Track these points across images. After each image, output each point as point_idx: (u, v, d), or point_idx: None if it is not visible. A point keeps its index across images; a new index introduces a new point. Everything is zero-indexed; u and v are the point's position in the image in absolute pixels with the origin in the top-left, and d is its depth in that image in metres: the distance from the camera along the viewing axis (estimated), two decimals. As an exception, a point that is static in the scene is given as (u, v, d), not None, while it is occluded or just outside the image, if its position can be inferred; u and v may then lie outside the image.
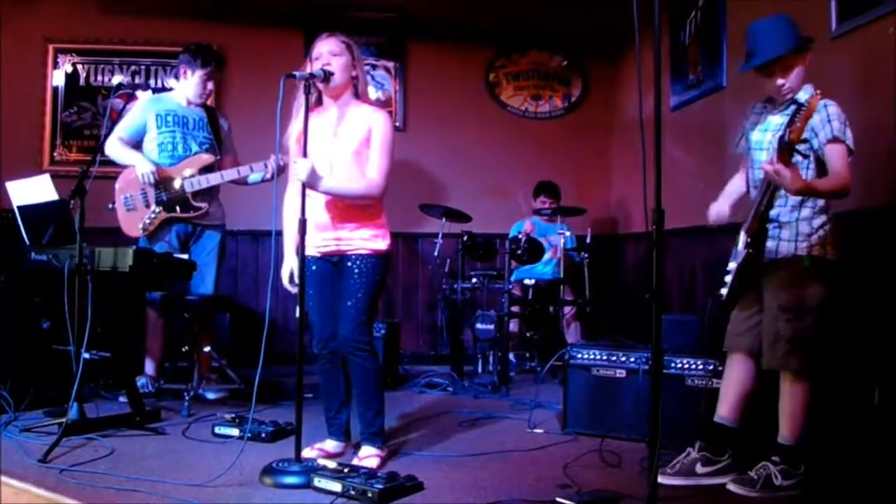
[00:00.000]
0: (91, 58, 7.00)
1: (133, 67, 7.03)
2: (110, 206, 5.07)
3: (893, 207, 3.84)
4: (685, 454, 3.41)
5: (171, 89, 6.59)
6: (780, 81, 3.28)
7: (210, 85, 5.19)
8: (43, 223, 4.16)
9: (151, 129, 5.11)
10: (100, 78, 7.01)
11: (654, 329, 2.57)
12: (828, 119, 3.15)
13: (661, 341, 2.60)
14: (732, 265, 3.35)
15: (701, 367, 3.90)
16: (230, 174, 5.08)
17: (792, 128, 2.92)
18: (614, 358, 4.19)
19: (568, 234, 6.42)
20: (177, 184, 5.02)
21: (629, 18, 2.60)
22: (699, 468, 3.35)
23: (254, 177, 5.10)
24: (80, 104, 6.96)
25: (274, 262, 3.24)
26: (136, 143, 5.15)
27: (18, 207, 4.37)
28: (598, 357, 4.24)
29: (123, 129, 5.16)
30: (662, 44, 3.04)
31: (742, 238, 3.29)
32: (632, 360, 4.13)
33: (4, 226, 4.56)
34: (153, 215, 4.99)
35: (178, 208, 5.04)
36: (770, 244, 3.27)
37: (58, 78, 6.95)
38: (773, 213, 3.25)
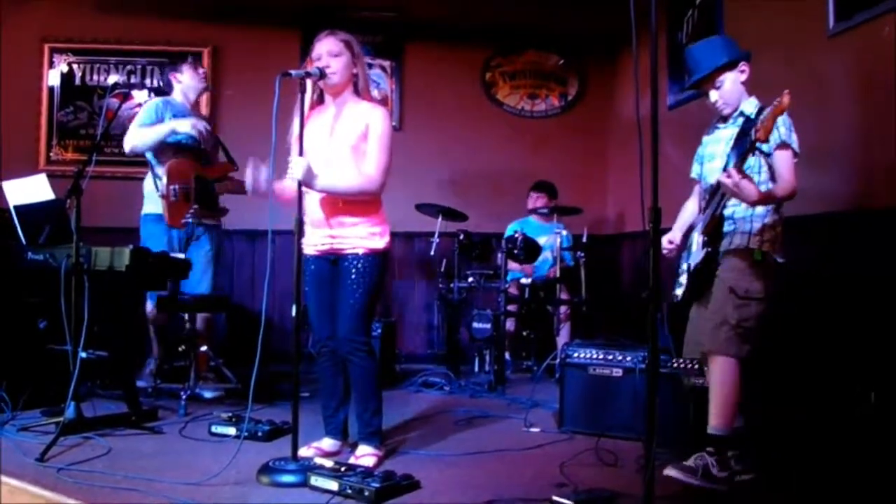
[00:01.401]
0: (87, 57, 7.01)
1: (129, 67, 7.03)
2: (159, 194, 5.02)
3: (892, 208, 3.85)
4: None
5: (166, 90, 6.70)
6: (713, 98, 3.42)
7: (201, 71, 5.38)
8: (39, 223, 4.15)
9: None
10: (95, 77, 7.02)
11: (650, 328, 2.57)
12: (775, 126, 3.17)
13: (657, 340, 2.60)
14: (686, 265, 3.44)
15: (697, 366, 3.90)
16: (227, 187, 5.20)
17: (760, 126, 2.95)
18: (611, 357, 4.20)
19: (564, 233, 6.42)
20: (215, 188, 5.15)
21: (626, 18, 2.61)
22: (732, 465, 3.35)
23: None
24: (76, 104, 6.97)
25: (271, 262, 3.24)
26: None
27: (14, 207, 4.36)
28: (595, 356, 4.24)
29: (141, 122, 5.14)
30: (660, 43, 3.06)
31: (699, 239, 3.37)
32: (628, 359, 4.14)
33: (1, 225, 4.55)
34: (193, 210, 4.95)
35: (209, 208, 5.10)
36: (725, 240, 3.35)
37: (53, 77, 6.96)
38: (727, 211, 3.33)
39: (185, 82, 5.35)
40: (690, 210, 3.67)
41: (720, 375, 3.26)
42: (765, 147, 3.03)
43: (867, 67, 4.06)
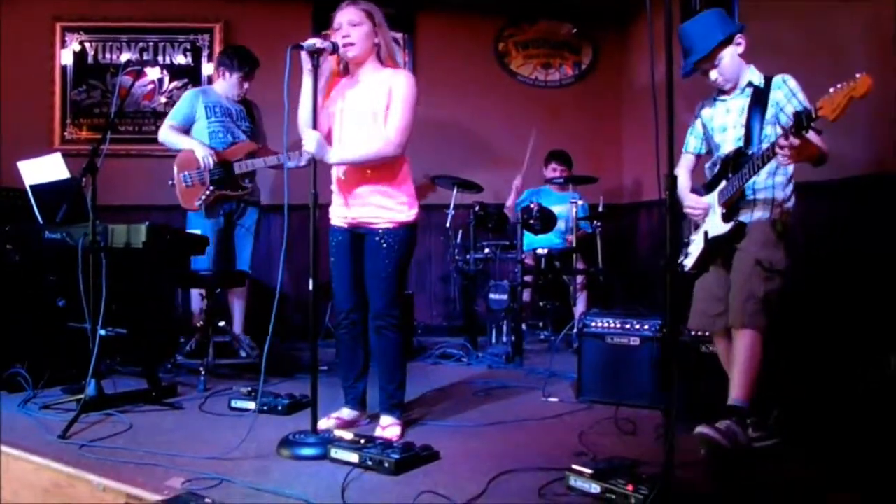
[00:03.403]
0: (99, 36, 6.99)
1: (141, 44, 7.01)
2: (170, 182, 5.37)
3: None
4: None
5: (180, 66, 6.74)
6: (713, 77, 3.41)
7: (246, 85, 5.57)
8: (55, 202, 4.16)
9: (201, 119, 5.46)
10: (108, 56, 7.00)
11: (668, 296, 2.56)
12: (792, 93, 3.24)
13: (676, 309, 2.59)
14: (696, 236, 3.40)
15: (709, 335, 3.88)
16: (271, 160, 5.44)
17: (825, 103, 2.76)
18: (628, 326, 4.19)
19: (580, 202, 6.40)
20: (234, 167, 5.40)
21: (639, -17, 2.58)
22: (751, 432, 3.34)
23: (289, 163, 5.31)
24: (90, 82, 6.96)
25: (286, 236, 3.23)
26: (185, 130, 5.47)
27: (31, 186, 4.39)
28: (613, 325, 4.24)
29: (175, 117, 5.51)
30: (674, 9, 3.02)
31: (719, 210, 3.33)
32: (646, 327, 4.13)
33: (18, 205, 4.58)
34: (209, 192, 5.30)
35: (229, 187, 5.37)
36: (745, 212, 3.32)
37: (66, 57, 6.94)
38: (747, 182, 3.26)
39: (225, 85, 5.56)
40: (683, 181, 3.61)
41: (748, 350, 3.21)
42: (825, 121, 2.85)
43: (884, 31, 4.00)
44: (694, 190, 3.54)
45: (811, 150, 3.00)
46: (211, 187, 5.28)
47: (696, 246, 3.43)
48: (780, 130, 3.23)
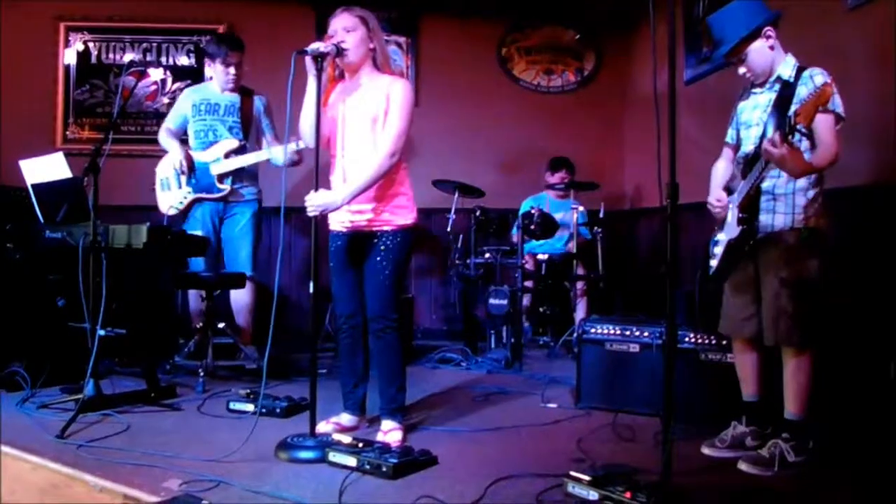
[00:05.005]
0: (102, 36, 7.01)
1: (144, 45, 7.03)
2: (152, 188, 5.36)
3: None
4: (731, 428, 3.41)
5: (183, 67, 6.80)
6: (741, 72, 3.32)
7: (231, 70, 5.28)
8: (57, 201, 4.17)
9: (190, 119, 5.36)
10: (111, 56, 7.02)
11: (668, 304, 2.56)
12: (815, 89, 3.08)
13: (675, 316, 2.59)
14: (722, 237, 3.36)
15: (715, 341, 3.88)
16: (251, 157, 5.23)
17: (801, 110, 2.80)
18: (628, 332, 4.18)
19: (581, 209, 6.39)
20: (211, 168, 5.23)
21: (643, -9, 2.58)
22: (749, 441, 3.35)
23: (275, 157, 5.23)
24: (93, 82, 6.98)
25: (283, 239, 3.23)
26: (183, 131, 5.41)
27: (32, 186, 4.38)
28: (612, 332, 4.23)
29: (170, 119, 5.45)
30: (677, 16, 3.01)
31: (734, 213, 3.28)
32: (645, 334, 4.13)
33: (19, 204, 4.58)
34: (184, 197, 5.21)
35: (204, 190, 5.23)
36: (765, 218, 3.24)
37: (69, 56, 6.96)
38: (766, 185, 3.20)
39: (215, 76, 5.39)
40: (722, 171, 3.56)
41: (792, 368, 3.21)
42: (801, 126, 2.85)
43: (888, 40, 4.00)
44: (727, 189, 3.47)
45: (795, 160, 2.95)
46: (187, 191, 5.21)
47: (720, 247, 3.39)
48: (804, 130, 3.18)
